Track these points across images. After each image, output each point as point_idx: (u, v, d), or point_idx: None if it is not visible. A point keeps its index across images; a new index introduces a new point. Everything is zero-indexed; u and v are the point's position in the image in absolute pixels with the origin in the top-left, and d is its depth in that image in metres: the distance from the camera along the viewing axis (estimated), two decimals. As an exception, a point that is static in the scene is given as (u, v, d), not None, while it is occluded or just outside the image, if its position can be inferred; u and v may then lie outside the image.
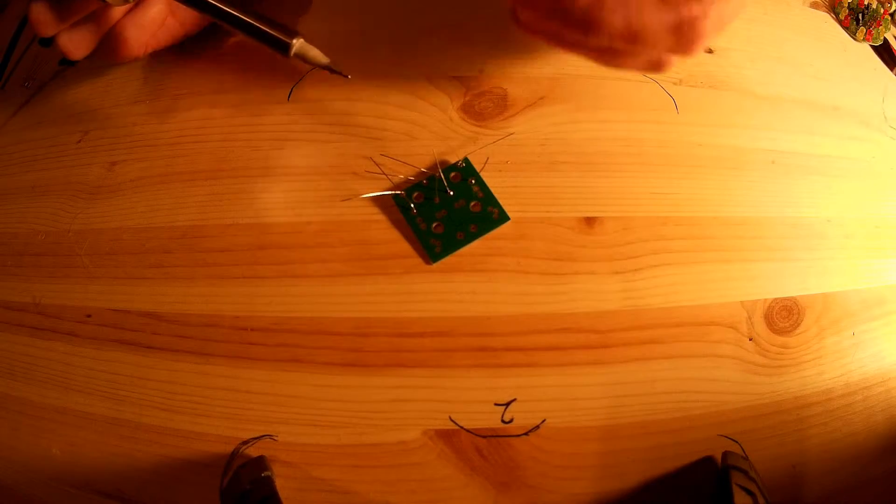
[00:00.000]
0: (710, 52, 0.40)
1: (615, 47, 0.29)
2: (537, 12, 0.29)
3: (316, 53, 0.33)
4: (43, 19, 0.33)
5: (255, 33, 0.32)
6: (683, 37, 0.28)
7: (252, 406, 0.33)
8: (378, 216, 0.36)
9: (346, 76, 0.33)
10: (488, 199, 0.36)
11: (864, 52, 0.42)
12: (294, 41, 0.32)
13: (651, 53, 0.30)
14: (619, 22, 0.28)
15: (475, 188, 0.36)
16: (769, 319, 0.34)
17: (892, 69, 0.42)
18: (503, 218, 0.35)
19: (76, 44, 0.35)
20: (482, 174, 0.36)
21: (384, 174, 0.36)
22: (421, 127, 0.37)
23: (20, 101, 0.41)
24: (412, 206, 0.35)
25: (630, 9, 0.28)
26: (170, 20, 0.37)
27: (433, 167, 0.36)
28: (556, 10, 0.28)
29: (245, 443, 0.32)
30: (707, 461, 0.32)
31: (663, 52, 0.30)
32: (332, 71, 0.33)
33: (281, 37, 0.32)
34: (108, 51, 0.36)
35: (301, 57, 0.33)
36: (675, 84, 0.39)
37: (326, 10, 0.41)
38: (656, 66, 0.31)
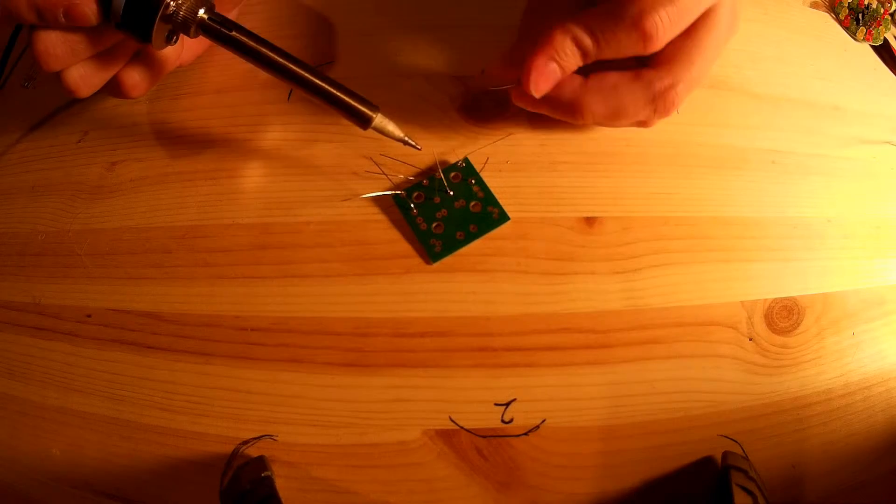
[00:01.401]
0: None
1: (602, 124, 0.34)
2: (532, 100, 0.32)
3: (393, 128, 0.33)
4: (54, 53, 0.28)
5: (337, 103, 0.32)
6: (660, 105, 0.31)
7: (252, 406, 0.33)
8: (378, 216, 0.36)
9: (419, 148, 0.34)
10: (488, 199, 0.36)
11: (864, 52, 0.42)
12: (376, 115, 0.32)
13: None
14: (599, 108, 0.31)
15: (475, 188, 0.36)
16: (769, 319, 0.34)
17: (892, 69, 0.42)
18: (503, 218, 0.35)
19: (86, 81, 0.31)
20: (482, 174, 0.36)
21: (384, 174, 0.36)
22: (421, 127, 0.37)
23: (25, 106, 0.41)
24: (412, 206, 0.35)
25: (607, 93, 0.31)
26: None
27: (433, 167, 0.36)
28: (545, 100, 0.32)
29: (245, 443, 0.32)
30: (707, 461, 0.32)
31: (643, 119, 0.32)
32: (406, 143, 0.33)
33: (364, 110, 0.32)
34: (116, 90, 0.33)
35: (379, 130, 0.32)
36: (675, 84, 0.39)
37: (327, 10, 0.41)
38: (643, 125, 0.34)
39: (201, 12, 0.30)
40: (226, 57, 0.40)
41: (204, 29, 0.30)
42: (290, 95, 0.39)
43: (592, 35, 0.29)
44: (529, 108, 0.34)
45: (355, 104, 0.32)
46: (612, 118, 0.32)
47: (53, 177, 0.38)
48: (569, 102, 0.32)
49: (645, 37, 0.28)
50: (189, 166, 0.37)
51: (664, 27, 0.28)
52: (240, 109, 0.39)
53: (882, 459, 0.33)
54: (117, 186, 0.37)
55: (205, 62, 0.40)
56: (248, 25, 0.31)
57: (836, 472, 0.33)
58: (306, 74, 0.31)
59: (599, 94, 0.31)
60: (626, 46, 0.29)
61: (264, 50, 0.31)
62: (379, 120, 0.32)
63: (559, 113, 0.33)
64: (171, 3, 0.29)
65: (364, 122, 0.32)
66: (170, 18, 0.29)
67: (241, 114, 0.38)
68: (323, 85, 0.31)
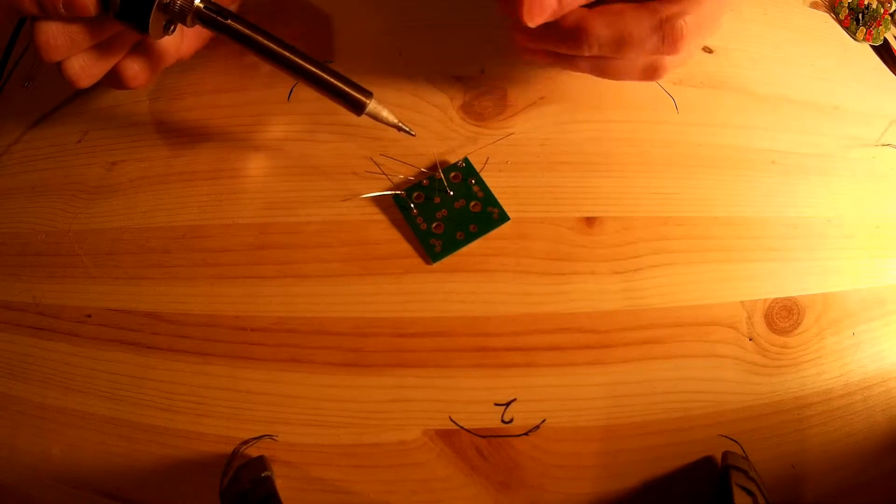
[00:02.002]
0: (710, 51, 0.40)
1: (606, 55, 0.31)
2: (532, 33, 0.31)
3: (387, 114, 0.33)
4: (54, 44, 0.29)
5: (331, 89, 0.32)
6: (666, 36, 0.29)
7: (252, 406, 0.33)
8: (378, 216, 0.36)
9: (413, 134, 0.34)
10: (488, 199, 0.36)
11: (864, 52, 0.42)
12: (369, 101, 0.32)
13: (641, 58, 0.32)
14: (604, 32, 0.30)
15: (475, 188, 0.36)
16: (769, 319, 0.34)
17: (892, 69, 0.42)
18: (503, 218, 0.35)
19: (86, 72, 0.31)
20: (482, 174, 0.36)
21: (384, 174, 0.36)
22: (421, 127, 0.37)
23: (25, 106, 0.41)
24: (412, 206, 0.35)
25: (612, 17, 0.29)
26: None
27: (433, 167, 0.36)
28: (547, 29, 0.30)
29: (245, 443, 0.32)
30: (707, 461, 0.32)
31: (651, 54, 0.31)
32: (400, 129, 0.34)
33: (358, 96, 0.32)
34: (116, 81, 0.33)
35: (373, 116, 0.33)
36: (675, 84, 0.39)
37: (327, 9, 0.41)
38: (652, 73, 0.33)
39: (197, 1, 0.30)
40: (226, 57, 0.40)
41: (200, 18, 0.30)
42: (290, 95, 0.39)
43: None
44: (526, 42, 0.32)
45: (349, 90, 0.32)
46: (617, 46, 0.30)
47: (53, 177, 0.38)
48: (571, 28, 0.30)
49: None
50: (189, 166, 0.37)
51: None
52: (240, 109, 0.39)
53: (882, 459, 0.33)
54: (117, 186, 0.37)
55: (204, 62, 0.40)
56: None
57: (836, 472, 0.33)
58: (300, 61, 0.31)
59: (604, 18, 0.30)
60: None
61: (259, 38, 0.31)
62: (373, 106, 0.32)
63: (558, 42, 0.31)
64: None
65: (358, 108, 0.32)
66: (166, 8, 0.29)
67: (241, 114, 0.38)
68: (316, 71, 0.31)
